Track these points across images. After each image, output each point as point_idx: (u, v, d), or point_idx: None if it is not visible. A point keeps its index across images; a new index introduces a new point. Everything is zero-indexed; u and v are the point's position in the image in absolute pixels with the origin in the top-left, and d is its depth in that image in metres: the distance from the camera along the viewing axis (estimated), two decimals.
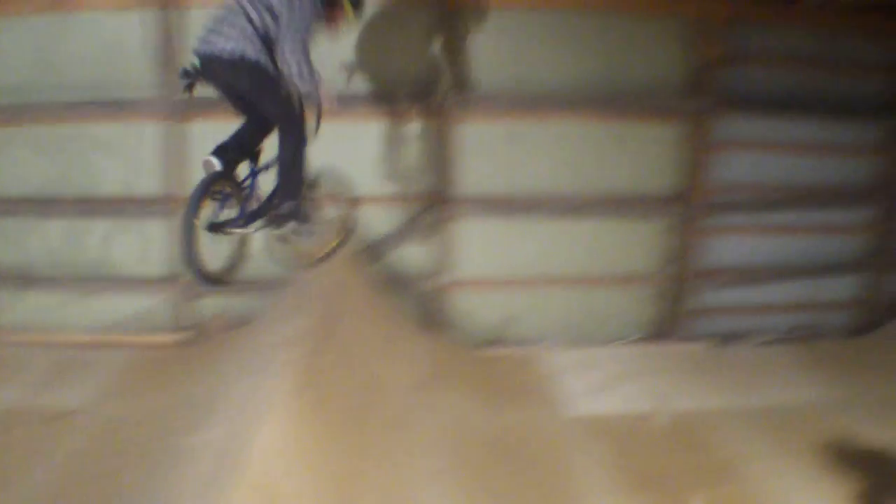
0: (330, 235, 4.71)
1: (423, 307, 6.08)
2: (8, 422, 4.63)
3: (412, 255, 6.00)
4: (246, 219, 3.70)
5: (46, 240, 5.94)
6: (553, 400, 5.25)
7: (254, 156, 3.87)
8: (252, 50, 3.32)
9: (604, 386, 5.54)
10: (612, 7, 5.66)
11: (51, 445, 4.37)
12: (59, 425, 4.59)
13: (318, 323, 3.99)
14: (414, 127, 5.77)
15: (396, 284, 5.97)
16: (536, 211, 5.97)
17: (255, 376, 3.36)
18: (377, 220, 5.84)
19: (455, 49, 5.62)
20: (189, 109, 5.48)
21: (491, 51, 5.66)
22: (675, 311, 6.43)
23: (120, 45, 5.52)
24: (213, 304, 5.97)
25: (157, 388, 4.92)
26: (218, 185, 3.56)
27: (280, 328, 3.89)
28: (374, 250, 5.90)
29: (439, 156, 5.79)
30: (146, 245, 5.92)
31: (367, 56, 5.51)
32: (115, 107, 5.57)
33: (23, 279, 5.97)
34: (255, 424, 2.97)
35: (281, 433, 3.04)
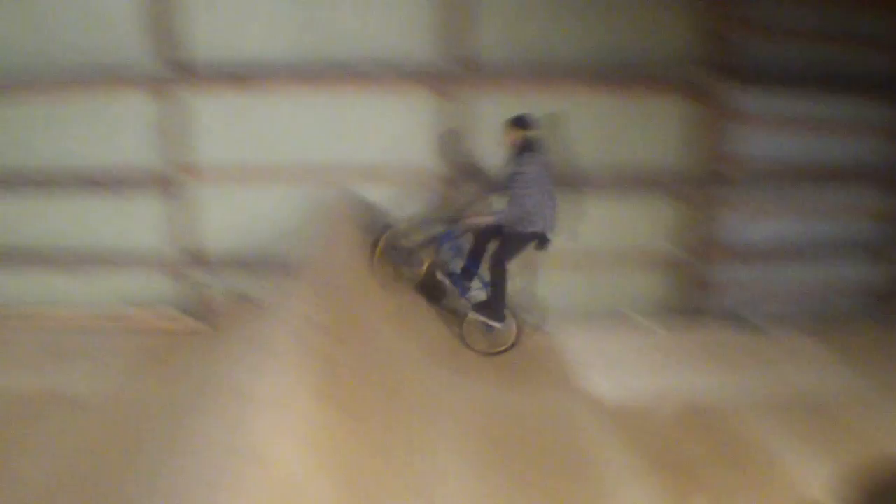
0: (504, 337, 5.39)
1: (427, 282, 5.83)
2: (31, 404, 4.45)
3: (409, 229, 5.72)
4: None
5: (40, 217, 5.73)
6: (571, 382, 5.12)
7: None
8: None
9: (621, 368, 5.42)
10: None
11: (45, 434, 4.16)
12: (55, 412, 4.40)
13: (335, 307, 3.80)
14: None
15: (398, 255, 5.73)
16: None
17: (270, 364, 3.16)
18: (389, 196, 5.67)
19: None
20: (184, 81, 5.22)
21: (495, 18, 5.41)
22: (690, 290, 6.30)
23: (109, 14, 5.24)
24: (219, 283, 5.78)
25: (164, 374, 4.74)
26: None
27: (295, 314, 3.69)
28: (380, 226, 5.68)
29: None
30: (144, 221, 5.70)
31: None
32: (106, 77, 5.31)
33: (19, 257, 5.76)
34: (273, 415, 2.78)
35: (303, 424, 2.85)
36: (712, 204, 6.07)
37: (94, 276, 5.81)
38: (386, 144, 5.58)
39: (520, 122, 4.84)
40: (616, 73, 5.65)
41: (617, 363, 5.50)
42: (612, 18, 5.57)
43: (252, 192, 5.63)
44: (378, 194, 5.64)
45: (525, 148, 4.75)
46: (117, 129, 5.51)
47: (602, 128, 5.80)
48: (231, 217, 5.71)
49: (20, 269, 5.84)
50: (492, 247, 5.17)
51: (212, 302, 5.79)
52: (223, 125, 5.45)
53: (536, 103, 5.49)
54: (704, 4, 5.59)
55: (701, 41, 5.69)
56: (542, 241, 5.03)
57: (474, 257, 5.28)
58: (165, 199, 5.63)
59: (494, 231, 5.00)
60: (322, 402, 3.07)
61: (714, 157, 5.93)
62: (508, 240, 4.93)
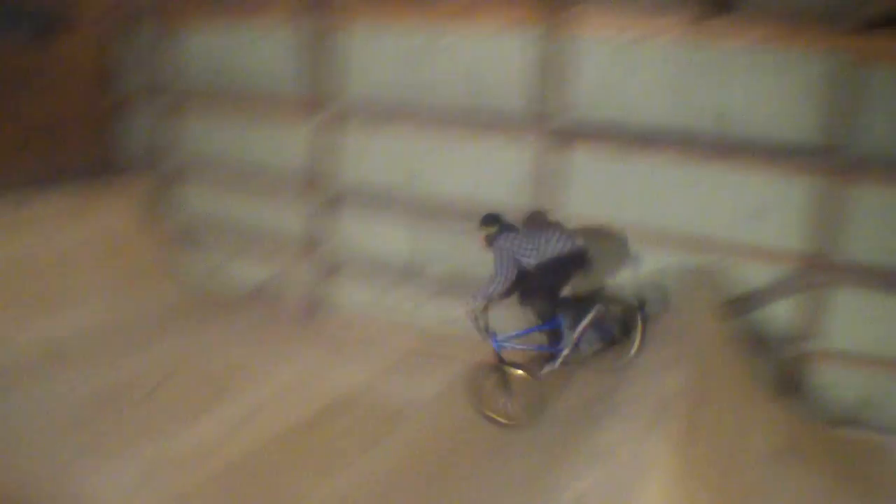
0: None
1: (781, 373, 5.28)
2: (353, 405, 5.08)
3: (777, 316, 5.27)
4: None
5: (406, 238, 6.35)
6: None
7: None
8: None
9: None
10: None
11: (389, 435, 4.65)
12: (399, 415, 4.89)
13: (696, 379, 3.63)
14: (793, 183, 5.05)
15: (756, 344, 5.22)
16: None
17: (636, 426, 3.10)
18: (747, 275, 5.26)
19: None
20: (568, 138, 5.52)
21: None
22: None
23: (493, 66, 5.63)
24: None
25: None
26: None
27: (660, 378, 3.63)
28: (741, 305, 5.25)
29: (822, 216, 5.00)
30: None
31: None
32: (483, 124, 5.73)
33: (393, 272, 6.42)
34: (638, 479, 2.69)
35: (662, 492, 2.71)
36: None
37: (442, 301, 6.19)
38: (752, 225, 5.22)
39: (485, 221, 5.10)
40: None
41: None
42: None
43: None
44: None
45: (490, 242, 5.05)
46: (484, 171, 5.91)
47: None
48: None
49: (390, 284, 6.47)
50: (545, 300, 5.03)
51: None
52: (592, 181, 5.59)
53: None
54: None
55: None
56: (577, 266, 4.96)
57: (549, 316, 5.05)
58: None
59: (533, 287, 4.99)
60: (680, 475, 2.94)
61: None
62: (542, 275, 4.91)
